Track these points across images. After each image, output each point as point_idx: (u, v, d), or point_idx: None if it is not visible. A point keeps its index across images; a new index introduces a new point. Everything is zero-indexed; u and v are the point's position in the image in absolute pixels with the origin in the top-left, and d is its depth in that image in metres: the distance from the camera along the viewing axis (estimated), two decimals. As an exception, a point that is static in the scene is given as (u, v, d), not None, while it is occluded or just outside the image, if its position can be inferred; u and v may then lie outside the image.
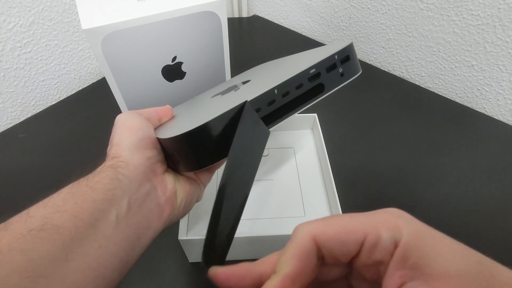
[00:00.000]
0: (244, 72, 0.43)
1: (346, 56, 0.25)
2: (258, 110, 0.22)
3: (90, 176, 0.21)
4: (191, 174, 0.26)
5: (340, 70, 0.25)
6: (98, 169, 0.21)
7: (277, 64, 0.35)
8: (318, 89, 0.25)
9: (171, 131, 0.23)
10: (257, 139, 0.22)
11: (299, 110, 0.24)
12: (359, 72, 0.27)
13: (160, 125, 0.27)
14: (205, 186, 0.28)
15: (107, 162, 0.22)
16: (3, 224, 0.17)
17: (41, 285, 0.15)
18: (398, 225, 0.15)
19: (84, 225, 0.18)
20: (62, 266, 0.16)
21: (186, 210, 0.25)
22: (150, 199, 0.22)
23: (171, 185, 0.24)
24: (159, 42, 0.39)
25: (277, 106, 0.23)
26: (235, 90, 0.29)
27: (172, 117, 0.29)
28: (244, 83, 0.32)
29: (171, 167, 0.26)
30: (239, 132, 0.20)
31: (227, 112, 0.21)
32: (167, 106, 0.29)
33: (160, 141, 0.24)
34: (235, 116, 0.21)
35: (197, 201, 0.27)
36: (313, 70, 0.24)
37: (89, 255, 0.17)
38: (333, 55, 0.25)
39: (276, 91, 0.23)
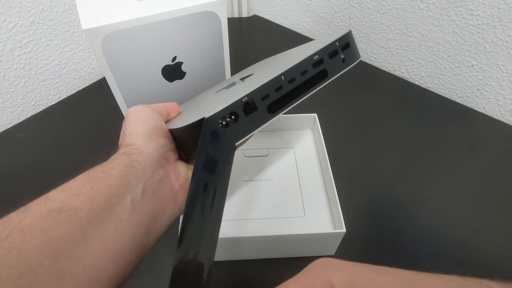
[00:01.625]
0: (245, 69, 0.43)
1: (346, 43, 0.27)
2: (266, 97, 0.23)
3: (104, 163, 0.21)
4: None
5: (342, 56, 0.26)
6: (113, 157, 0.22)
7: (279, 57, 0.36)
8: (322, 75, 0.26)
9: (182, 123, 0.24)
10: (222, 154, 0.22)
11: (305, 96, 0.25)
12: (359, 58, 0.28)
13: (168, 120, 0.28)
14: None
15: (121, 150, 0.22)
16: (23, 207, 0.17)
17: (61, 264, 0.16)
18: (329, 279, 0.16)
19: (101, 208, 0.18)
20: (81, 247, 0.17)
21: None
22: (164, 185, 0.23)
23: (184, 172, 0.24)
24: (159, 42, 0.39)
25: (284, 92, 0.24)
26: (240, 83, 0.30)
27: (179, 113, 0.30)
28: (247, 77, 0.32)
29: (183, 158, 0.26)
30: (200, 149, 0.21)
31: (238, 101, 0.21)
32: (174, 102, 0.29)
33: (172, 132, 0.25)
34: (243, 105, 0.22)
35: None
36: (317, 56, 0.25)
37: (106, 237, 0.18)
38: (334, 42, 0.26)
39: (283, 77, 0.23)
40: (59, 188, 0.19)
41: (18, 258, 0.15)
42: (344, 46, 0.26)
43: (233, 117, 0.22)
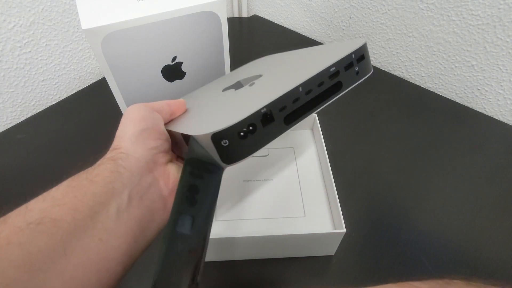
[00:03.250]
0: (246, 65, 0.42)
1: (361, 55, 0.26)
2: (284, 108, 0.22)
3: (90, 169, 0.20)
4: None
5: (356, 68, 0.26)
6: (99, 162, 0.21)
7: (286, 59, 0.35)
8: (336, 87, 0.25)
9: (189, 128, 0.23)
10: (209, 176, 0.21)
11: (318, 108, 0.25)
12: (371, 71, 0.27)
13: (172, 119, 0.27)
14: None
15: (108, 154, 0.22)
16: (2, 218, 0.17)
17: (39, 279, 0.15)
18: None
19: (84, 218, 0.17)
20: (61, 260, 0.16)
21: None
22: (153, 191, 0.22)
23: (174, 176, 0.23)
24: (159, 42, 0.39)
25: (301, 104, 0.23)
26: (250, 85, 0.29)
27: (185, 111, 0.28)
28: (255, 78, 0.31)
29: (177, 155, 0.26)
30: (186, 168, 0.20)
31: (257, 112, 0.21)
32: (181, 100, 0.28)
33: (173, 133, 0.24)
34: (261, 116, 0.21)
35: None
36: (333, 68, 0.24)
37: (89, 248, 0.17)
38: (350, 54, 0.25)
39: (300, 88, 0.23)
40: (40, 197, 0.18)
41: None
42: (359, 58, 0.26)
43: (251, 128, 0.21)
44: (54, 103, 0.60)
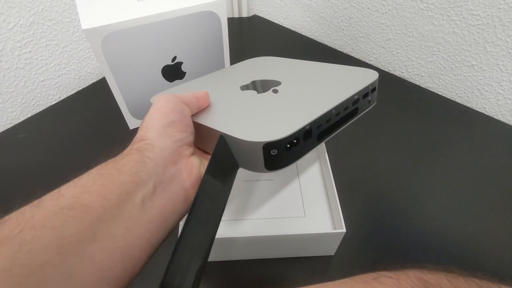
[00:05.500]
0: (246, 63, 0.42)
1: (374, 87, 0.31)
2: (319, 126, 0.25)
3: (117, 158, 0.21)
4: None
5: (369, 98, 0.30)
6: (126, 152, 0.22)
7: (301, 70, 0.36)
8: (353, 113, 0.29)
9: (238, 129, 0.24)
10: (226, 172, 0.23)
11: (338, 130, 0.28)
12: (375, 102, 0.32)
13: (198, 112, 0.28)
14: None
15: (134, 145, 0.22)
16: (36, 201, 0.17)
17: (70, 262, 0.16)
18: None
19: (111, 206, 0.18)
20: (91, 245, 0.17)
21: None
22: (176, 183, 0.22)
23: (197, 169, 0.24)
24: (159, 42, 0.39)
25: (331, 123, 0.26)
26: (273, 92, 0.31)
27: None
28: (274, 85, 0.33)
29: (198, 148, 0.27)
30: (210, 164, 0.22)
31: (302, 129, 0.23)
32: (206, 92, 0.29)
33: (202, 126, 0.25)
34: (305, 132, 0.24)
35: None
36: (356, 96, 0.28)
37: (116, 235, 0.18)
38: (369, 86, 0.29)
39: (334, 111, 0.26)
40: (71, 183, 0.19)
41: (28, 256, 0.15)
42: (372, 90, 0.30)
43: (295, 141, 0.23)
44: (54, 103, 0.60)
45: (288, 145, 0.23)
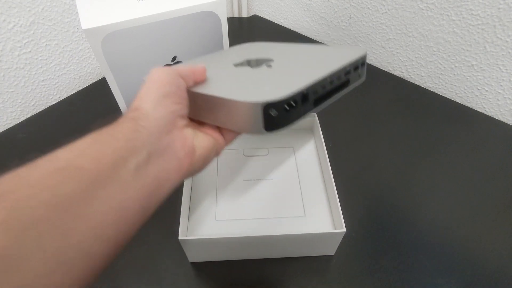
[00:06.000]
0: (234, 48, 0.42)
1: (363, 61, 0.31)
2: (316, 92, 0.26)
3: (111, 126, 0.21)
4: (212, 131, 0.27)
5: (359, 71, 0.31)
6: (120, 120, 0.22)
7: (290, 49, 0.37)
8: (345, 84, 0.29)
9: (236, 93, 0.25)
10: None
11: (333, 100, 0.29)
12: (364, 77, 0.32)
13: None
14: (228, 144, 0.29)
15: (129, 114, 0.22)
16: (31, 163, 0.18)
17: (66, 220, 0.16)
18: None
19: (106, 169, 0.18)
20: (85, 205, 0.17)
21: (204, 164, 0.26)
22: (169, 152, 0.22)
23: (190, 140, 0.24)
24: (159, 42, 0.39)
25: (326, 91, 0.27)
26: (267, 66, 0.31)
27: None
28: (267, 61, 0.34)
29: (195, 121, 0.27)
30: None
31: (299, 92, 0.24)
32: (203, 66, 0.29)
33: (199, 95, 0.26)
34: (302, 95, 0.25)
35: (216, 156, 0.28)
36: (348, 67, 0.29)
37: (110, 197, 0.18)
38: (359, 59, 0.30)
39: (328, 78, 0.27)
40: (67, 147, 0.20)
41: (25, 211, 0.15)
42: (362, 64, 0.31)
43: (293, 103, 0.24)
44: (54, 103, 0.60)
45: (287, 107, 0.24)
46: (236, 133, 0.29)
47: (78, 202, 0.17)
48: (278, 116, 0.24)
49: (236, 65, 0.34)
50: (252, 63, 0.33)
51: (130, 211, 0.19)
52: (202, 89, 0.27)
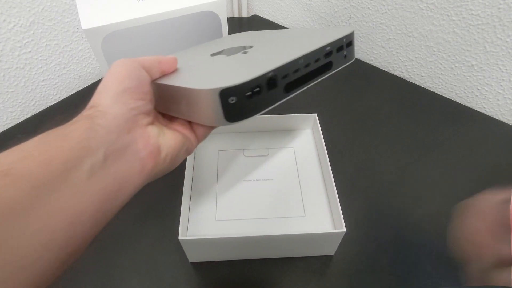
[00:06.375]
0: (224, 38, 0.41)
1: (350, 41, 0.28)
2: (286, 76, 0.23)
3: (65, 125, 0.20)
4: (182, 127, 0.26)
5: (345, 52, 0.28)
6: (75, 119, 0.21)
7: (275, 35, 0.35)
8: (327, 67, 0.27)
9: (195, 81, 0.23)
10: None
11: (311, 83, 0.26)
12: (354, 58, 0.30)
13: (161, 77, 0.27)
14: (199, 141, 0.27)
15: (85, 112, 0.21)
16: None
17: (5, 229, 0.15)
18: None
19: (55, 171, 0.17)
20: (30, 211, 0.16)
21: (172, 164, 0.24)
22: (130, 152, 0.21)
23: (154, 139, 0.23)
24: (159, 42, 0.39)
25: (300, 75, 0.24)
26: (243, 53, 0.29)
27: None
28: (246, 48, 0.32)
29: (166, 116, 0.26)
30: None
31: (263, 75, 0.22)
32: (174, 57, 0.27)
33: (163, 86, 0.24)
34: (267, 80, 0.22)
35: (187, 155, 0.26)
36: (328, 48, 0.26)
37: (60, 203, 0.17)
38: (342, 38, 0.27)
39: (302, 60, 0.24)
40: (10, 150, 0.18)
41: None
42: (348, 44, 0.28)
43: (257, 89, 0.22)
44: (54, 103, 0.60)
45: (249, 93, 0.21)
46: (206, 128, 0.27)
47: (21, 209, 0.16)
48: (238, 104, 0.21)
49: (213, 54, 0.32)
50: (229, 51, 0.31)
51: (84, 216, 0.18)
52: (165, 80, 0.25)
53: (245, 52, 0.29)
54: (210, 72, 0.26)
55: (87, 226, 0.18)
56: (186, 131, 0.26)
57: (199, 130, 0.26)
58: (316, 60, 0.25)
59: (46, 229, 0.16)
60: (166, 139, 0.24)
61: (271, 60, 0.24)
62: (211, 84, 0.21)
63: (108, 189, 0.19)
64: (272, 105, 0.23)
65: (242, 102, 0.21)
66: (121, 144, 0.20)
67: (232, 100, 0.21)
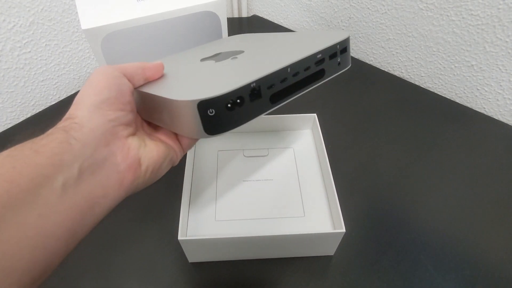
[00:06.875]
0: (220, 40, 0.41)
1: (344, 47, 0.27)
2: (271, 86, 0.22)
3: (37, 139, 0.19)
4: (167, 137, 0.25)
5: (339, 59, 0.27)
6: (48, 131, 0.19)
7: (269, 39, 0.34)
8: (319, 75, 0.26)
9: (176, 91, 0.22)
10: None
11: (302, 92, 0.25)
12: (349, 65, 0.28)
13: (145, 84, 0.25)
14: (185, 151, 0.26)
15: (60, 124, 0.20)
16: None
17: None
18: None
19: (21, 192, 0.16)
20: None
21: (154, 177, 0.23)
22: (108, 166, 0.20)
23: (134, 151, 0.21)
24: (159, 42, 0.39)
25: (287, 85, 0.23)
26: (232, 59, 0.28)
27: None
28: (236, 54, 0.31)
29: (152, 125, 0.25)
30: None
31: (246, 86, 0.21)
32: (160, 63, 0.26)
33: (146, 95, 0.23)
34: (250, 91, 0.21)
35: (172, 166, 0.25)
36: (320, 55, 0.25)
37: (25, 224, 0.16)
38: (335, 44, 0.26)
39: (289, 69, 0.23)
40: None
41: None
42: (342, 50, 0.27)
43: (238, 101, 0.21)
44: (54, 103, 0.60)
45: (229, 105, 0.20)
46: (191, 138, 0.25)
47: None
48: (218, 116, 0.20)
49: (203, 59, 0.31)
50: (220, 57, 0.30)
51: (52, 238, 0.17)
52: (147, 88, 0.24)
53: (235, 58, 0.28)
54: (192, 81, 0.25)
55: (53, 250, 0.17)
56: (170, 140, 0.25)
57: (184, 139, 0.25)
58: (306, 69, 0.24)
59: (9, 253, 0.15)
60: (148, 150, 0.22)
61: (257, 68, 0.23)
62: (189, 95, 0.20)
63: (80, 206, 0.18)
64: (255, 116, 0.22)
65: (222, 114, 0.20)
66: (98, 158, 0.19)
67: (211, 112, 0.20)
